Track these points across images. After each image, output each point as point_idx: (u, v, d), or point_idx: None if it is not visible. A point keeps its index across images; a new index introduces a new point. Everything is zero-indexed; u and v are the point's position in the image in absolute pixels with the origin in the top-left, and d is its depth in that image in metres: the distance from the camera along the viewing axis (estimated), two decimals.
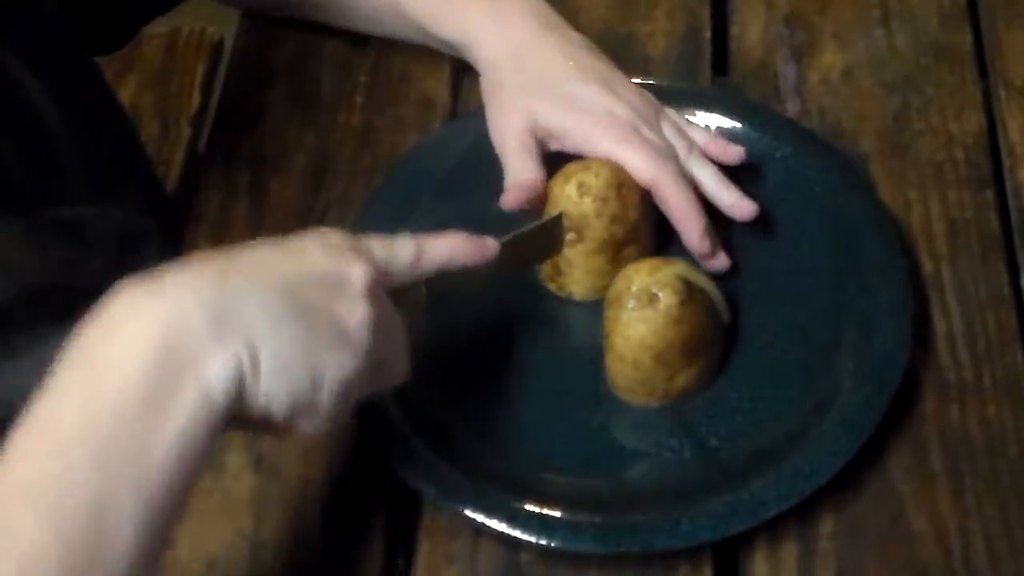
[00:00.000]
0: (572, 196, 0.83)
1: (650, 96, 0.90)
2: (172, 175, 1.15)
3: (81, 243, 0.85)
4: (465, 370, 0.84)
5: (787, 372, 0.82)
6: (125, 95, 1.14)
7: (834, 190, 0.88)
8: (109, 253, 0.86)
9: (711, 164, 0.87)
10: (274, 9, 1.03)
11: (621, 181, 0.84)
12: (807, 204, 0.88)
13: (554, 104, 0.88)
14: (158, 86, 1.15)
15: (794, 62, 0.99)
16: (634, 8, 1.03)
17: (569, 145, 0.87)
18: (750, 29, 1.01)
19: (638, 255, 0.84)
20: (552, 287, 0.87)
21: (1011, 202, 0.90)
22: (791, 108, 0.96)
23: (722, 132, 0.91)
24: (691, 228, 0.84)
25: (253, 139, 0.97)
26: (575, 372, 0.83)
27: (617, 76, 0.90)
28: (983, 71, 0.98)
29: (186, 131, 1.13)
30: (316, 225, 0.90)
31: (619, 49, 1.00)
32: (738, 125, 0.91)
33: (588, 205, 0.83)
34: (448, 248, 0.75)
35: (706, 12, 1.02)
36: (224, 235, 0.92)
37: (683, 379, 0.80)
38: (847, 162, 0.91)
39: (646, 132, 0.86)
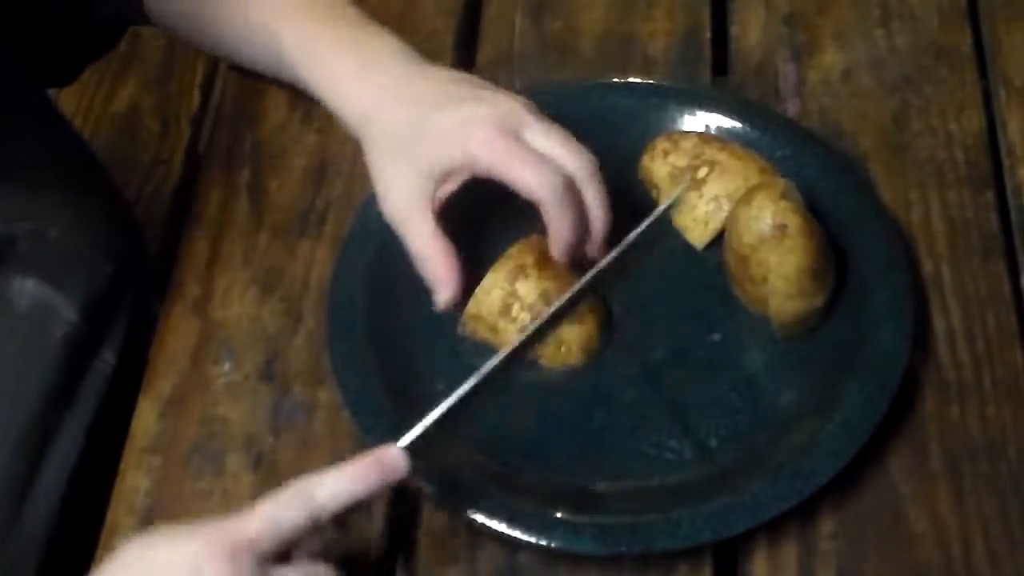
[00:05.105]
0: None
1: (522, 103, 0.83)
2: (172, 175, 1.15)
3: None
4: (466, 370, 0.84)
5: (787, 372, 0.82)
6: (125, 95, 1.14)
7: (834, 190, 0.88)
8: (39, 273, 0.86)
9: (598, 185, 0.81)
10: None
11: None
12: (807, 204, 0.88)
13: (429, 147, 0.81)
14: (158, 86, 1.15)
15: (794, 62, 0.99)
16: (634, 8, 1.03)
17: (461, 174, 0.82)
18: (750, 29, 1.01)
19: None
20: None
21: (1011, 202, 0.90)
22: (791, 108, 0.96)
23: (722, 132, 0.91)
24: (563, 247, 0.80)
25: (253, 139, 0.97)
26: (576, 373, 0.83)
27: (484, 87, 0.84)
28: (983, 71, 0.98)
29: (186, 131, 1.13)
30: (317, 224, 0.92)
31: (619, 49, 1.00)
32: (738, 125, 0.91)
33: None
34: (342, 488, 0.69)
35: (706, 12, 1.02)
36: (224, 235, 0.92)
37: (830, 287, 0.83)
38: (847, 162, 0.91)
39: (529, 137, 0.81)
